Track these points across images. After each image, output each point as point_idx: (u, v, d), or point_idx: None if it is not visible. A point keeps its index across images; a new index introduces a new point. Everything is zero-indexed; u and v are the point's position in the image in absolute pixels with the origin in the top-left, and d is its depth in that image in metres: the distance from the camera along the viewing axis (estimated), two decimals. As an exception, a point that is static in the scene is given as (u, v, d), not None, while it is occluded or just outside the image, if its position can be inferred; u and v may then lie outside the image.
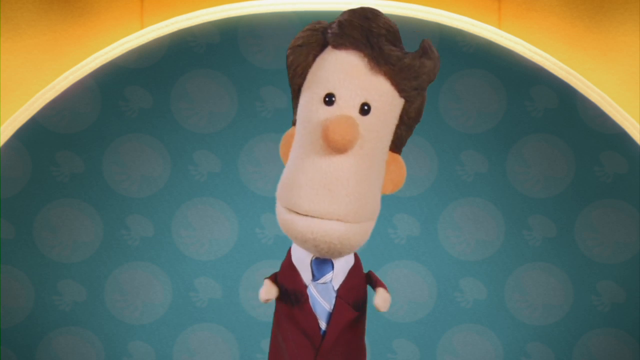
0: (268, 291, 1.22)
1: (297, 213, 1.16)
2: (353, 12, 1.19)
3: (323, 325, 1.21)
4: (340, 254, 1.20)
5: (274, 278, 1.25)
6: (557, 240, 2.01)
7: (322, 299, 1.21)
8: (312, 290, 1.21)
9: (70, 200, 2.01)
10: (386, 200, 2.10)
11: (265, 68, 2.01)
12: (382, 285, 1.24)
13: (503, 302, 2.01)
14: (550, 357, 2.00)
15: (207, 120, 2.02)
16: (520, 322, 2.00)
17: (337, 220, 1.16)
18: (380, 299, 1.21)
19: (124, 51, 2.02)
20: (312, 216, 1.16)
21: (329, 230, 1.16)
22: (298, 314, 1.21)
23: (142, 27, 2.06)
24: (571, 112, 2.02)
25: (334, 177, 1.15)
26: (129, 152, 2.02)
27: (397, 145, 1.22)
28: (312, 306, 1.21)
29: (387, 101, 1.18)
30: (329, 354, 1.21)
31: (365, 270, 1.26)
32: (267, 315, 1.28)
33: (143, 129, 2.02)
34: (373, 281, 1.25)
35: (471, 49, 2.02)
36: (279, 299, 1.24)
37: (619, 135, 2.01)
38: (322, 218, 1.16)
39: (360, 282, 1.23)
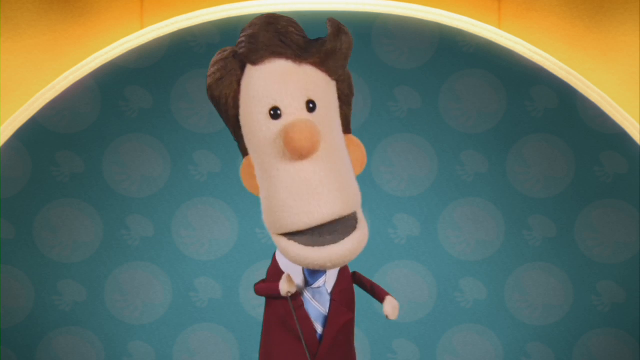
0: (290, 284, 1.20)
1: (301, 240, 1.15)
2: (255, 24, 1.18)
3: (319, 329, 1.21)
4: (345, 262, 1.20)
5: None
6: (557, 240, 2.01)
7: (317, 303, 1.21)
8: (307, 295, 1.21)
9: (70, 200, 2.01)
10: (386, 200, 2.10)
11: (265, 68, 2.01)
12: (381, 289, 1.24)
13: (503, 302, 2.01)
14: (550, 357, 2.00)
15: (207, 120, 2.02)
16: (520, 322, 2.00)
17: (338, 226, 1.15)
18: (390, 307, 1.21)
19: (124, 51, 2.02)
20: (316, 234, 1.15)
21: (345, 252, 1.16)
22: (290, 319, 1.21)
23: (142, 27, 2.06)
24: (571, 112, 2.02)
25: (317, 181, 1.15)
26: (129, 152, 2.02)
27: (345, 126, 1.22)
28: (307, 311, 1.21)
29: (325, 89, 1.19)
30: (325, 358, 1.20)
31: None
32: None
33: (143, 129, 2.02)
34: (366, 284, 1.25)
35: (471, 49, 2.02)
36: (268, 306, 1.24)
37: (619, 135, 2.01)
38: (322, 226, 1.15)
39: (349, 283, 1.24)
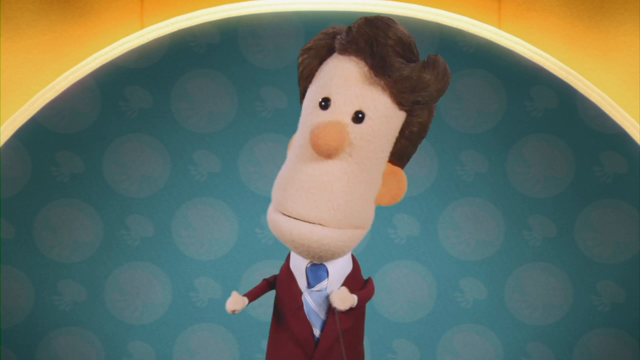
0: (235, 302, 1.22)
1: (283, 214, 1.17)
2: (365, 20, 1.17)
3: (317, 332, 1.20)
4: (320, 258, 1.19)
5: (273, 280, 1.25)
6: (557, 240, 2.01)
7: (316, 306, 1.20)
8: (307, 298, 1.20)
9: (70, 200, 2.01)
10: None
11: (265, 68, 2.01)
12: (364, 290, 1.22)
13: (503, 302, 2.01)
14: (550, 357, 2.00)
15: (207, 120, 2.02)
16: (520, 322, 2.00)
17: (320, 224, 1.15)
18: (337, 296, 1.18)
19: (124, 51, 2.02)
20: (295, 218, 1.16)
21: (308, 233, 1.15)
22: (292, 320, 1.20)
23: (142, 27, 2.06)
24: (571, 112, 2.02)
25: (318, 182, 1.15)
26: (129, 152, 2.02)
27: (397, 158, 1.21)
28: (306, 314, 1.20)
29: (384, 112, 1.17)
30: None
31: (371, 273, 1.25)
32: (267, 315, 1.28)
33: (143, 129, 2.02)
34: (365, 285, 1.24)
35: (471, 49, 2.02)
36: (275, 305, 1.23)
37: (619, 135, 2.01)
38: (304, 221, 1.15)
39: (358, 289, 1.22)
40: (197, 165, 2.02)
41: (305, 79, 1.21)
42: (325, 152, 1.14)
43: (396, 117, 1.18)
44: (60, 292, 2.00)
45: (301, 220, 1.15)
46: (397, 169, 1.21)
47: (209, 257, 2.01)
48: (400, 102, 1.17)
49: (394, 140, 1.19)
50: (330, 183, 1.15)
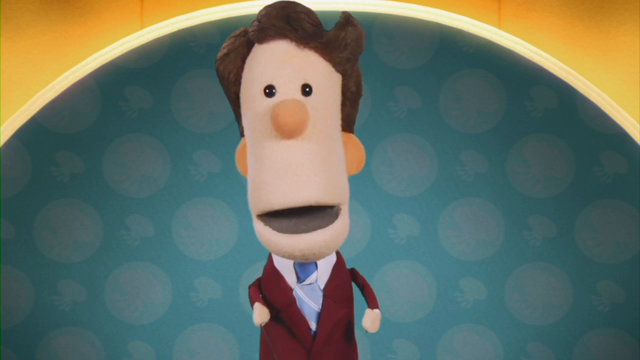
0: (261, 314, 1.20)
1: (276, 226, 1.15)
2: (270, 6, 1.20)
3: (313, 326, 1.21)
4: (328, 255, 1.20)
5: (258, 284, 1.25)
6: (557, 240, 2.01)
7: (309, 299, 1.21)
8: (299, 292, 1.21)
9: (70, 200, 2.01)
10: (386, 200, 2.10)
11: (265, 68, 2.01)
12: (370, 295, 1.23)
13: (503, 302, 2.01)
14: (550, 357, 2.00)
15: (207, 120, 2.02)
16: (520, 322, 2.00)
17: (316, 213, 1.15)
18: (369, 321, 1.20)
19: (124, 51, 2.02)
20: (292, 221, 1.15)
21: (314, 243, 1.15)
22: (286, 317, 1.21)
23: (142, 27, 2.06)
24: (571, 112, 2.02)
25: (298, 162, 1.15)
26: (129, 152, 2.02)
27: (348, 124, 1.22)
28: (300, 308, 1.21)
29: (326, 77, 1.19)
30: (321, 355, 1.20)
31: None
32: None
33: (143, 129, 2.02)
34: (359, 283, 1.25)
35: (471, 49, 2.02)
36: (265, 304, 1.23)
37: (619, 135, 2.01)
38: (299, 209, 1.14)
39: (345, 279, 1.23)
40: (197, 165, 2.02)
41: (234, 83, 1.21)
42: (295, 128, 1.13)
43: (336, 81, 1.20)
44: (60, 292, 2.00)
45: (298, 233, 1.15)
46: (351, 135, 1.22)
47: (209, 257, 2.01)
48: (335, 63, 1.19)
49: (340, 105, 1.20)
50: (309, 160, 1.15)
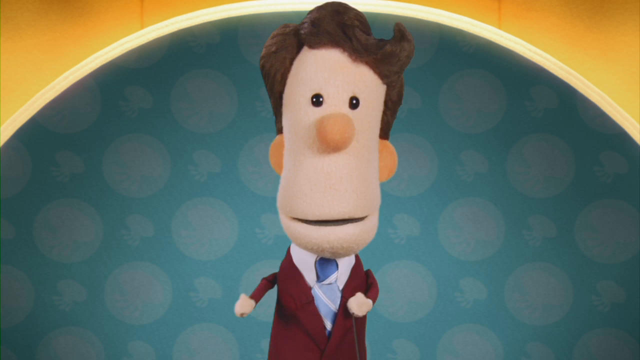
0: (243, 305, 1.21)
1: (307, 222, 1.16)
2: (323, 9, 1.18)
3: (329, 325, 1.21)
4: (355, 252, 1.21)
5: (272, 278, 1.25)
6: (557, 240, 2.01)
7: (327, 299, 1.21)
8: (317, 291, 1.21)
9: (70, 200, 2.01)
10: (386, 200, 2.10)
11: (265, 68, 2.01)
12: (372, 290, 1.23)
13: (503, 302, 2.01)
14: (550, 357, 2.00)
15: (207, 120, 2.02)
16: (520, 322, 2.00)
17: (348, 221, 1.15)
18: (356, 302, 1.19)
19: (124, 51, 2.02)
20: (323, 222, 1.15)
21: (344, 235, 1.16)
22: (302, 315, 1.21)
23: (142, 27, 2.06)
24: (571, 112, 2.02)
25: (337, 176, 1.15)
26: (129, 152, 2.02)
27: (384, 132, 1.22)
28: (317, 307, 1.21)
29: (373, 90, 1.19)
30: (334, 355, 1.21)
31: (364, 269, 1.26)
32: (267, 315, 1.28)
33: (143, 129, 2.02)
34: (369, 281, 1.25)
35: (471, 49, 2.02)
36: (280, 300, 1.23)
37: (619, 135, 2.01)
38: (332, 221, 1.15)
39: (362, 282, 1.23)
40: (197, 165, 2.02)
41: (280, 82, 1.21)
42: (339, 144, 1.13)
43: (381, 92, 1.20)
44: (60, 292, 2.00)
45: (332, 225, 1.15)
46: (386, 142, 1.22)
47: (209, 257, 2.01)
48: (383, 76, 1.19)
49: (381, 115, 1.21)
50: (349, 174, 1.15)
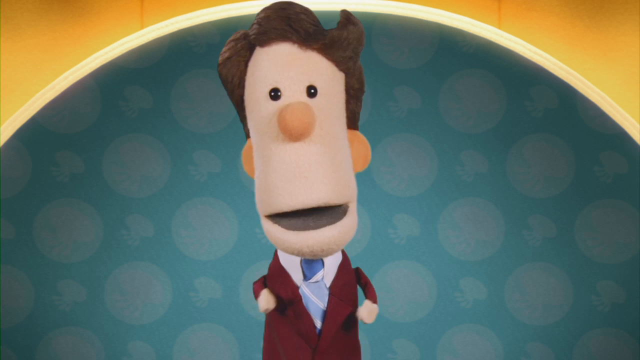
0: (267, 301, 1.21)
1: (285, 223, 1.16)
2: (268, 9, 1.20)
3: (318, 324, 1.21)
4: (337, 252, 1.21)
5: (263, 281, 1.25)
6: (557, 240, 2.01)
7: (315, 297, 1.21)
8: (305, 290, 1.21)
9: (70, 200, 2.01)
10: (386, 200, 2.10)
11: (265, 68, 2.01)
12: (371, 290, 1.24)
13: (503, 302, 2.01)
14: (550, 357, 2.00)
15: (207, 120, 2.02)
16: (520, 322, 2.00)
17: (325, 213, 1.15)
18: (366, 311, 1.21)
19: (124, 51, 2.02)
20: (301, 218, 1.15)
21: (323, 239, 1.16)
22: (292, 315, 1.21)
23: (142, 27, 2.06)
24: (571, 112, 2.02)
25: (306, 164, 1.15)
26: (129, 152, 2.02)
27: (352, 121, 1.22)
28: (305, 306, 1.21)
29: (330, 77, 1.19)
30: (326, 353, 1.21)
31: (371, 273, 1.26)
32: (263, 315, 1.28)
33: (143, 129, 2.02)
34: (362, 281, 1.25)
35: (471, 49, 2.02)
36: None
37: (619, 135, 2.01)
38: (309, 210, 1.15)
39: (351, 278, 1.24)
40: (197, 165, 2.02)
41: (238, 86, 1.22)
42: (302, 131, 1.14)
43: (339, 80, 1.21)
44: (60, 292, 2.00)
45: (312, 229, 1.16)
46: (356, 132, 1.23)
47: (209, 257, 2.01)
48: (338, 62, 1.20)
49: (345, 104, 1.21)
50: (317, 161, 1.15)
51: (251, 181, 2.03)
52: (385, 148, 2.01)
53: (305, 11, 1.19)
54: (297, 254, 1.18)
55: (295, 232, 1.16)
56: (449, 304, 2.01)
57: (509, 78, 2.02)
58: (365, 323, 1.21)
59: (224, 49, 1.22)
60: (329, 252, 1.18)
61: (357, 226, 1.20)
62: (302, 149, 1.15)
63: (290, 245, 1.17)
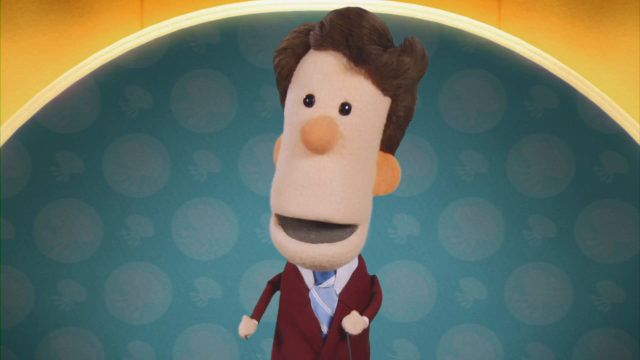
0: (246, 327, 1.22)
1: (286, 226, 1.16)
2: (337, 13, 1.18)
3: (325, 329, 1.21)
4: (334, 269, 1.20)
5: (277, 279, 1.25)
6: (557, 240, 2.01)
7: (323, 303, 1.21)
8: (314, 294, 1.21)
9: (70, 200, 2.01)
10: (386, 200, 2.10)
11: (265, 68, 2.01)
12: (372, 304, 1.23)
13: (503, 302, 2.01)
14: (550, 357, 2.00)
15: (207, 120, 2.02)
16: (520, 322, 2.00)
17: (328, 229, 1.15)
18: (350, 321, 1.19)
19: (124, 51, 2.02)
20: (303, 228, 1.15)
21: (317, 255, 1.16)
22: (299, 317, 1.21)
23: (142, 27, 2.06)
24: (571, 112, 2.02)
25: (316, 178, 1.15)
26: (129, 152, 2.02)
27: (388, 146, 1.21)
28: (314, 310, 1.21)
29: (369, 100, 1.18)
30: (329, 358, 1.20)
31: (371, 273, 1.25)
32: (267, 316, 1.28)
33: (143, 129, 2.02)
34: (373, 289, 1.25)
35: (471, 49, 2.02)
36: (281, 301, 1.24)
37: (619, 135, 2.01)
38: (310, 222, 1.15)
39: (364, 285, 1.23)
40: (197, 165, 2.02)
41: (285, 78, 1.21)
42: (318, 147, 1.14)
43: (382, 104, 1.19)
44: (60, 292, 2.00)
45: (305, 242, 1.15)
46: (389, 156, 1.22)
47: (209, 257, 2.02)
48: (383, 89, 1.18)
49: (382, 127, 1.20)
50: (329, 177, 1.15)
51: (251, 181, 2.03)
52: (385, 148, 2.01)
53: (372, 27, 1.17)
54: (291, 262, 1.18)
55: (294, 241, 1.16)
56: (449, 304, 2.01)
57: (509, 78, 2.02)
58: (347, 333, 1.19)
59: (287, 37, 1.21)
60: (322, 269, 1.18)
61: (361, 248, 1.19)
62: (319, 162, 1.15)
63: (286, 251, 1.17)
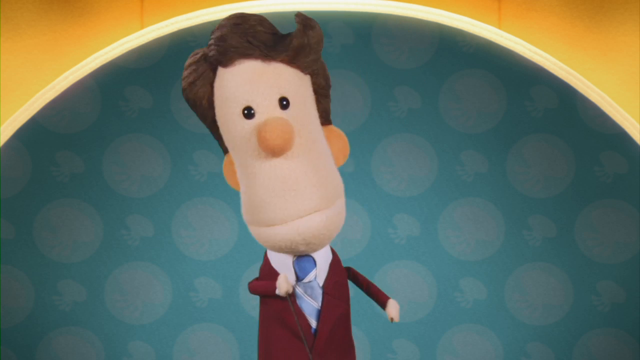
0: (289, 284, 1.21)
1: (274, 225, 1.17)
2: (223, 26, 1.19)
3: (314, 323, 1.21)
4: (329, 240, 1.21)
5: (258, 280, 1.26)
6: (557, 240, 2.01)
7: (309, 297, 1.21)
8: (298, 291, 1.21)
9: (70, 200, 2.01)
10: (386, 200, 2.10)
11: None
12: (377, 290, 1.24)
13: (503, 302, 2.01)
14: (550, 357, 2.00)
15: (207, 120, 2.02)
16: (520, 322, 2.00)
17: (315, 212, 1.16)
18: (395, 310, 1.23)
19: (124, 51, 2.02)
20: (290, 221, 1.16)
21: (312, 223, 1.17)
22: (287, 316, 1.21)
23: (142, 27, 2.06)
24: (571, 112, 2.02)
25: (293, 178, 1.16)
26: (129, 152, 2.02)
27: (325, 118, 1.23)
28: (299, 306, 1.21)
29: (297, 84, 1.19)
30: (323, 352, 1.21)
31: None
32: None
33: (143, 129, 2.02)
34: (361, 281, 1.26)
35: (471, 49, 2.02)
36: (263, 304, 1.24)
37: (619, 135, 2.01)
38: (300, 217, 1.16)
39: (342, 277, 1.24)
40: (197, 165, 2.02)
41: (208, 108, 1.21)
42: (284, 147, 1.15)
43: (306, 83, 1.21)
44: (60, 292, 2.00)
45: (298, 218, 1.16)
46: (331, 127, 1.23)
47: (209, 257, 2.01)
48: (303, 68, 1.20)
49: (315, 104, 1.21)
50: (304, 172, 1.16)
51: (251, 181, 2.03)
52: (385, 148, 2.01)
53: (261, 21, 1.19)
54: (290, 246, 1.18)
55: (283, 225, 1.16)
56: (449, 304, 2.01)
57: (509, 78, 2.02)
58: (394, 321, 1.22)
59: (186, 73, 1.21)
60: (322, 239, 1.19)
61: (345, 212, 1.21)
62: (287, 162, 1.16)
63: (282, 237, 1.18)
